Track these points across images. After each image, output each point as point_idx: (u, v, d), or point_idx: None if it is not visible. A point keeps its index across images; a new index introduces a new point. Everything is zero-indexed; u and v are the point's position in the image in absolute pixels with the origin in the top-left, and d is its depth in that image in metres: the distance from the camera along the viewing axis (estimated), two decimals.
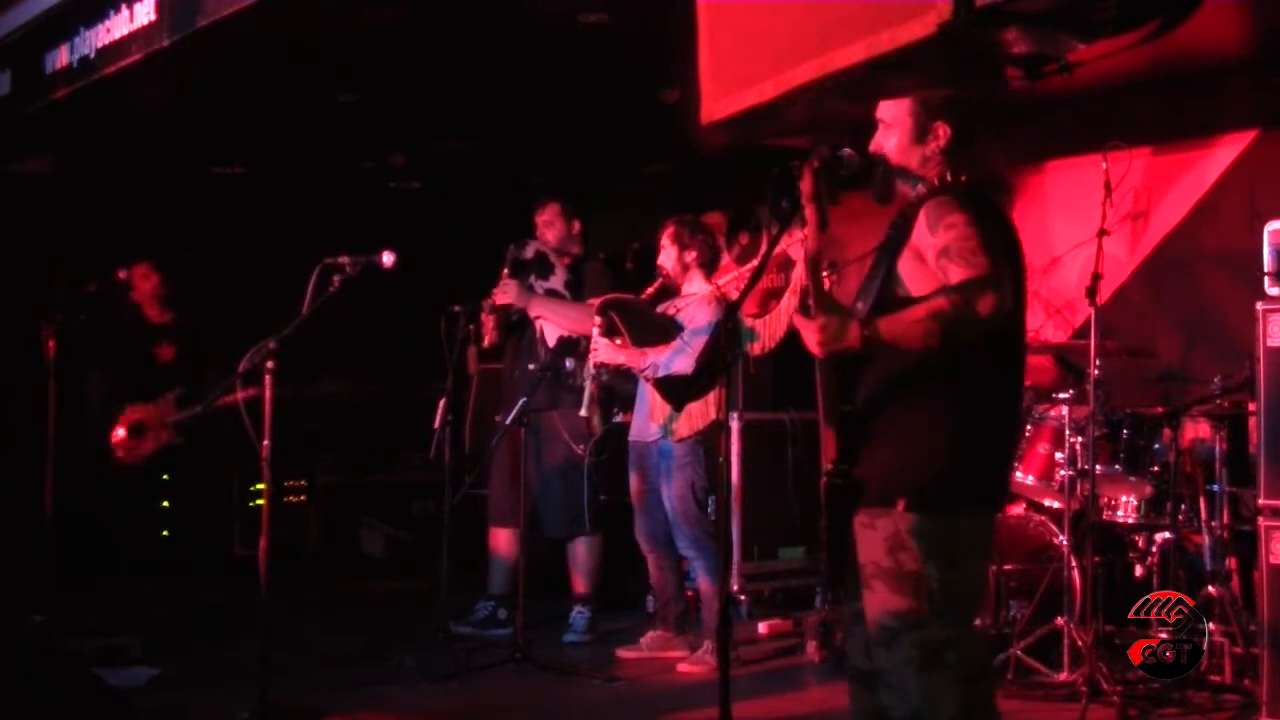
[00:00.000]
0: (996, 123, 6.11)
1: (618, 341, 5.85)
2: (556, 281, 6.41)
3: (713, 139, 6.06)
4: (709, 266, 5.92)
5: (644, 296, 5.90)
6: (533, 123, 7.66)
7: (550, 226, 6.50)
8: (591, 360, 5.81)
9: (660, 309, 5.91)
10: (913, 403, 3.01)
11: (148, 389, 7.10)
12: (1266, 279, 4.67)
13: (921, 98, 3.20)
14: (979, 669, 3.14)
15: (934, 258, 2.95)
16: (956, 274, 2.88)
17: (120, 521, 7.25)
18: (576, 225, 6.55)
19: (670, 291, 5.90)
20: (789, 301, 5.83)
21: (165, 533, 7.43)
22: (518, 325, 6.41)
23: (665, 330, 5.78)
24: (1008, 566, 5.25)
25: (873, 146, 3.22)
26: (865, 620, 3.06)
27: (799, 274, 5.90)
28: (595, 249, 6.69)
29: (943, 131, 3.17)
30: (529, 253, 6.40)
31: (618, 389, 6.11)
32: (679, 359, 5.66)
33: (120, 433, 6.83)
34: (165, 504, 7.41)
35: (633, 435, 5.99)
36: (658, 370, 5.72)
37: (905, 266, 3.03)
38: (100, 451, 7.11)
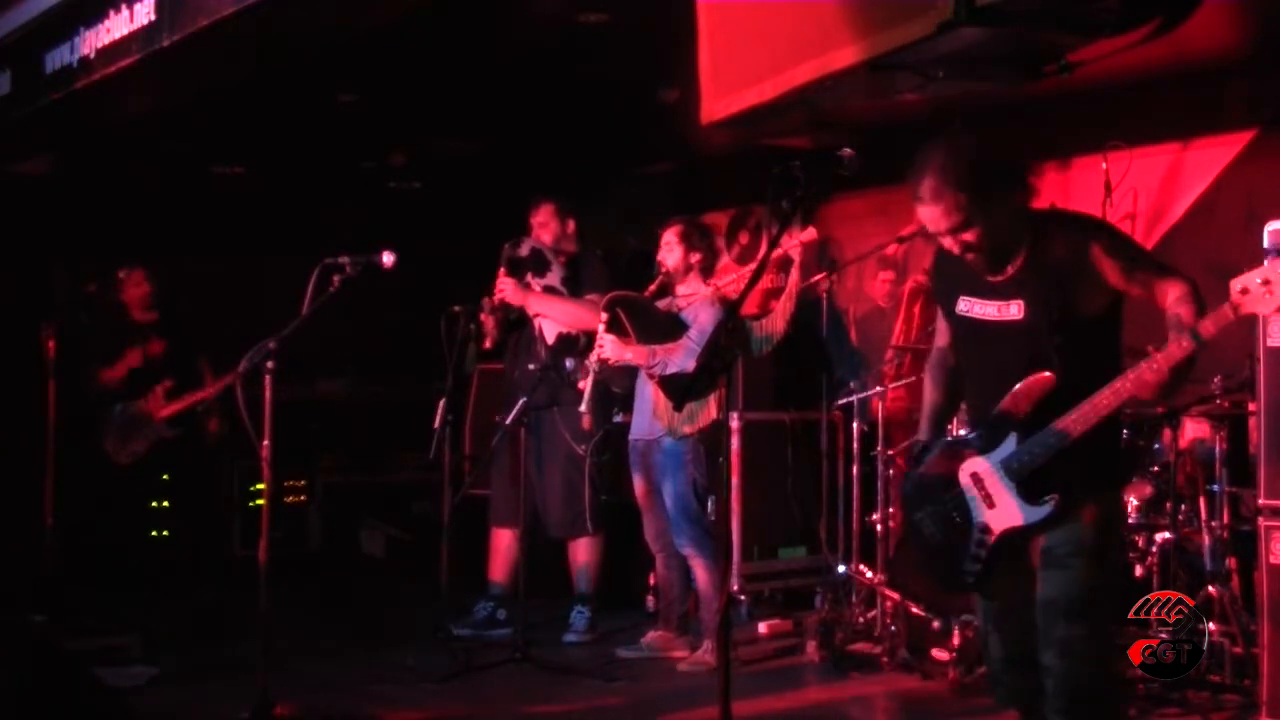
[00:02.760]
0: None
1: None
2: (554, 278, 6.40)
3: (713, 139, 6.06)
4: (708, 271, 5.93)
5: (646, 294, 5.90)
6: (533, 123, 7.65)
7: (545, 227, 6.47)
8: (594, 355, 5.79)
9: (658, 305, 5.92)
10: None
11: (137, 385, 7.12)
12: None
13: (964, 188, 3.14)
14: None
15: (1130, 277, 3.21)
16: (1176, 289, 3.17)
17: (119, 521, 7.26)
18: (571, 224, 6.53)
19: (668, 289, 5.91)
20: (785, 305, 5.85)
21: (165, 532, 7.44)
22: (517, 323, 6.40)
23: (670, 328, 5.76)
24: None
25: (953, 246, 3.23)
26: (1044, 602, 3.23)
27: (794, 277, 5.93)
28: (596, 247, 6.67)
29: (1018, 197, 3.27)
30: (524, 250, 6.39)
31: (613, 385, 6.07)
32: (687, 358, 5.63)
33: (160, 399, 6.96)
34: (165, 504, 7.43)
35: (633, 435, 5.97)
36: (666, 368, 5.69)
37: (1083, 296, 3.22)
38: (99, 453, 7.14)
